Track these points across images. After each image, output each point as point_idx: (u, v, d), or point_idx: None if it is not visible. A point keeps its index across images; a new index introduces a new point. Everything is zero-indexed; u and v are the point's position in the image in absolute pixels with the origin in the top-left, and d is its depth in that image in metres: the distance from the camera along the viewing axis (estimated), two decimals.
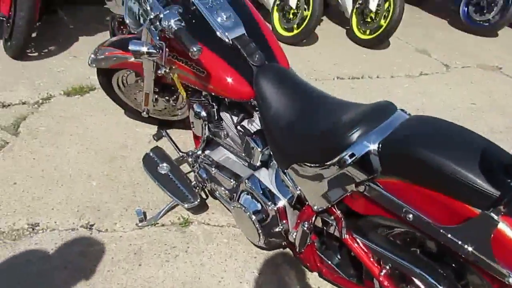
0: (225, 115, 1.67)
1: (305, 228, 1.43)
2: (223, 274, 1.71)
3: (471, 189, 0.96)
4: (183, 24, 1.40)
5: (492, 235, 0.94)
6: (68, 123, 2.55)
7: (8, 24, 3.09)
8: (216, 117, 1.69)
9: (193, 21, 1.54)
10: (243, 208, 1.56)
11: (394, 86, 3.39)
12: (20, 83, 2.94)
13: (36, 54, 3.37)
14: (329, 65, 3.65)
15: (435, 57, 4.00)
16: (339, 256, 1.55)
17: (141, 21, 1.82)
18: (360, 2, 4.06)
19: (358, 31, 4.16)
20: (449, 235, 1.02)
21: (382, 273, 1.30)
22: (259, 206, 1.54)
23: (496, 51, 4.22)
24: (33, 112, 2.64)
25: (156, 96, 2.13)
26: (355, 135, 1.16)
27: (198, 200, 1.82)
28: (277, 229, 1.55)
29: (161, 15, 1.42)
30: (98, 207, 1.97)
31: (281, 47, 1.65)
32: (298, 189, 1.41)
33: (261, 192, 1.54)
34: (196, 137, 1.92)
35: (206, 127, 1.72)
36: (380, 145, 1.12)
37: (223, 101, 1.64)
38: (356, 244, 1.34)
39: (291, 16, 3.98)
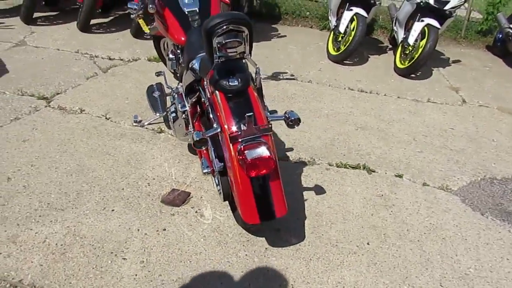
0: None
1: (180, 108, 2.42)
2: (158, 156, 2.78)
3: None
4: None
5: None
6: (136, 73, 3.96)
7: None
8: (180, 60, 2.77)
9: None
10: (169, 113, 2.61)
11: (392, 103, 3.91)
12: (127, 50, 4.53)
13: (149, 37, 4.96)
14: (352, 80, 4.37)
15: (461, 94, 4.29)
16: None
17: None
18: (404, 36, 4.68)
19: (398, 61, 4.75)
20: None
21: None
22: (174, 110, 2.57)
23: None
24: (122, 65, 4.14)
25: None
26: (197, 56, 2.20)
27: (164, 113, 2.92)
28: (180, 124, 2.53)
29: None
30: (120, 111, 3.25)
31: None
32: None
33: (178, 99, 2.54)
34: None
35: (174, 66, 2.81)
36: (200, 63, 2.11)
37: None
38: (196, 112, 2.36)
39: (340, 39, 4.83)
